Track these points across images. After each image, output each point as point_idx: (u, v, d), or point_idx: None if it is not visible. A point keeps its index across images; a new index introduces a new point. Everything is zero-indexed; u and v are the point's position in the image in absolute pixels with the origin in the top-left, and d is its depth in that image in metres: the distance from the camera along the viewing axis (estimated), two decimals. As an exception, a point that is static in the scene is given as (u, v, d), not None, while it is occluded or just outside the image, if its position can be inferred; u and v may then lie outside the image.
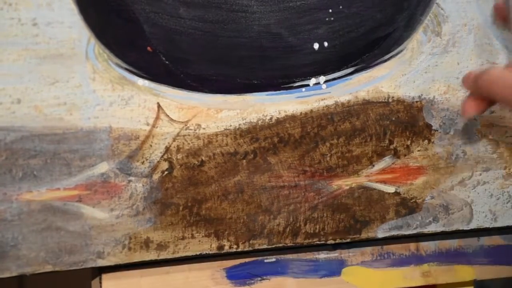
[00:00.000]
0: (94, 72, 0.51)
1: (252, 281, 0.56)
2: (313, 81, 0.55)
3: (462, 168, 0.58)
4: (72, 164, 0.50)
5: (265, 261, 0.57)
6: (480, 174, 0.59)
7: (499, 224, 0.60)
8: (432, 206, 0.58)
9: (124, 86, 0.51)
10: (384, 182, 0.57)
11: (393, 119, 0.57)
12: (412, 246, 0.60)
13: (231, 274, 0.56)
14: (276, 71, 0.54)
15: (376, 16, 0.54)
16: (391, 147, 0.57)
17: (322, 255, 0.58)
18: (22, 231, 0.50)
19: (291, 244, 0.56)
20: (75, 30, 0.50)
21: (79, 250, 0.51)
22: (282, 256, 0.57)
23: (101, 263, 0.52)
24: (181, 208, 0.53)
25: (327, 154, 0.56)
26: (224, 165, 0.54)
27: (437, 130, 0.58)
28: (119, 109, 0.51)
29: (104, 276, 0.54)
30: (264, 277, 0.57)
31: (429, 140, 0.58)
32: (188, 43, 0.51)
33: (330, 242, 0.57)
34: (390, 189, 0.57)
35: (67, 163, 0.50)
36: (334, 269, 0.58)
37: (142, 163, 0.52)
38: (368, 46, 0.55)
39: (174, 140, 0.52)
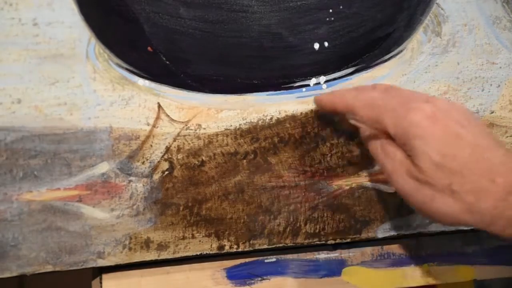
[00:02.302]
0: (94, 72, 0.51)
1: (252, 281, 0.56)
2: (313, 81, 0.55)
3: (462, 168, 0.58)
4: (72, 164, 0.50)
5: (265, 261, 0.57)
6: (480, 174, 0.59)
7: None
8: (432, 206, 0.58)
9: (125, 86, 0.51)
10: (384, 182, 0.57)
11: (393, 119, 0.57)
12: (412, 246, 0.60)
13: (231, 274, 0.56)
14: (277, 71, 0.54)
15: (377, 16, 0.54)
16: (391, 147, 0.57)
17: (322, 255, 0.58)
18: (22, 231, 0.50)
19: (291, 244, 0.56)
20: (75, 30, 0.50)
21: (80, 250, 0.51)
22: (282, 256, 0.57)
23: (101, 263, 0.52)
24: (181, 208, 0.53)
25: (327, 154, 0.56)
26: (225, 165, 0.54)
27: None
28: (120, 109, 0.51)
29: (104, 276, 0.54)
30: (264, 277, 0.57)
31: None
32: (188, 43, 0.51)
33: (330, 242, 0.57)
34: (390, 189, 0.57)
35: (67, 163, 0.50)
36: (334, 269, 0.58)
37: (143, 163, 0.52)
38: (368, 46, 0.55)
39: (174, 140, 0.52)
